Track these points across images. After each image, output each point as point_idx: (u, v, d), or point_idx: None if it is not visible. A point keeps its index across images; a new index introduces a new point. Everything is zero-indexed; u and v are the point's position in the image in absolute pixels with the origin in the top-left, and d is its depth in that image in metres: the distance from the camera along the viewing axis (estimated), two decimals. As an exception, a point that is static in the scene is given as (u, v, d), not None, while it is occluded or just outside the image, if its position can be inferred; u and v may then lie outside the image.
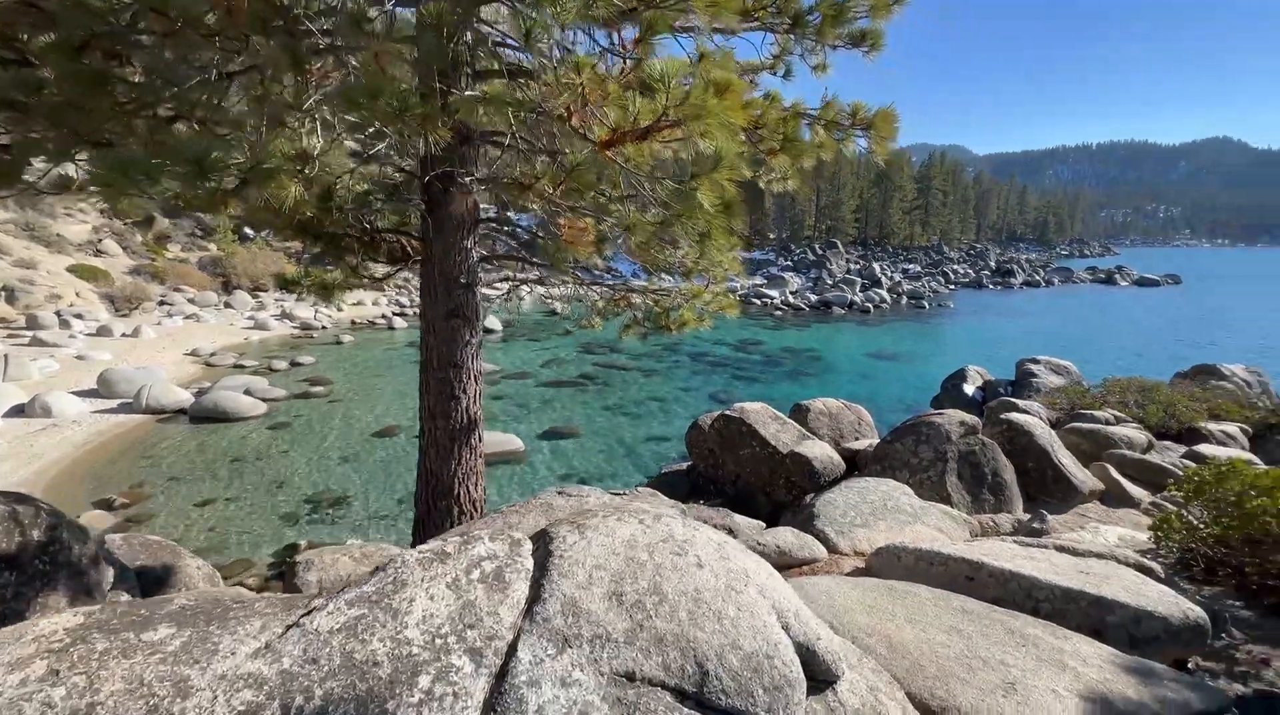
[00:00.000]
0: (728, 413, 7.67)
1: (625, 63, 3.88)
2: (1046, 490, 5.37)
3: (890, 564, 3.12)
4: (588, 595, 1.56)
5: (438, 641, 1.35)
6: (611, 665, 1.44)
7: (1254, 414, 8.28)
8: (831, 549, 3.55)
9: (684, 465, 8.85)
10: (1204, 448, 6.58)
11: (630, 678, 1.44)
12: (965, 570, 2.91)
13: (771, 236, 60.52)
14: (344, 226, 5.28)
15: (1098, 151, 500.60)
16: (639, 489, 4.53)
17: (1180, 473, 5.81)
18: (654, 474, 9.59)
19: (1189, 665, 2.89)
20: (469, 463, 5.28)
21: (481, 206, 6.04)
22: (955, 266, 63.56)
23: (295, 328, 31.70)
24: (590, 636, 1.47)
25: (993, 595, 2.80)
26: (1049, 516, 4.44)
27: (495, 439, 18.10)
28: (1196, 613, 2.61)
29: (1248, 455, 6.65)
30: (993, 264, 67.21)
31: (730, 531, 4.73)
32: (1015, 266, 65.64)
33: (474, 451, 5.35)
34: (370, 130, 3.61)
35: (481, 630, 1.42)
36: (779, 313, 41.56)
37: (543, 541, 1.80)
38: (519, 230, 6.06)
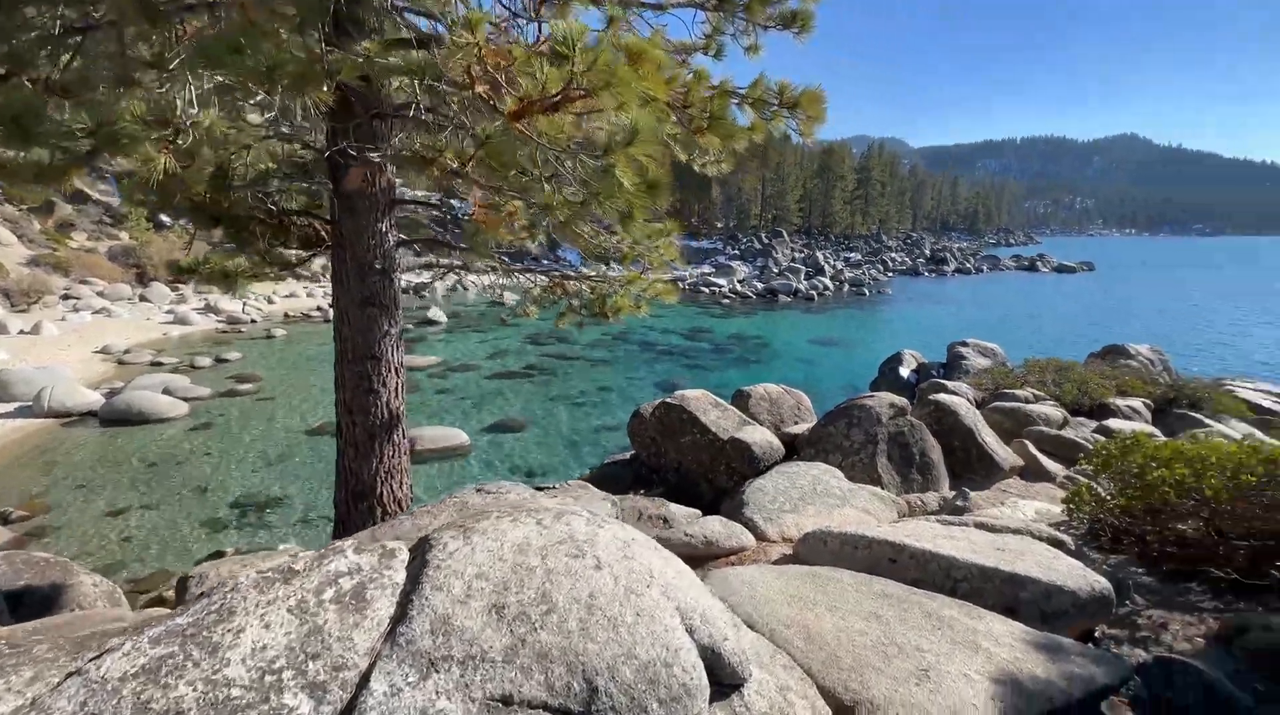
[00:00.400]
0: (668, 401, 7.58)
1: (539, 28, 3.64)
2: (971, 468, 5.52)
3: (816, 549, 3.07)
4: (464, 610, 1.38)
5: (268, 679, 1.14)
6: (486, 689, 1.26)
7: (1155, 389, 8.83)
8: (760, 536, 3.48)
9: (627, 455, 8.73)
10: (1112, 422, 6.94)
11: (507, 701, 1.27)
12: (888, 552, 2.88)
13: (719, 225, 61.07)
14: (247, 208, 4.84)
15: (1022, 146, 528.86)
16: (571, 482, 4.36)
17: (1091, 447, 6.10)
18: (600, 465, 9.44)
19: (1096, 634, 2.97)
20: (391, 460, 4.97)
21: (401, 188, 5.66)
22: (893, 254, 65.89)
23: (221, 322, 29.84)
24: (462, 657, 1.29)
25: (914, 576, 2.77)
26: (971, 494, 4.54)
27: (438, 434, 17.54)
28: (1102, 585, 2.66)
29: (1150, 428, 7.07)
30: (928, 252, 70.05)
31: (665, 521, 4.63)
32: (948, 254, 68.65)
33: (397, 448, 5.04)
34: (258, 98, 3.24)
35: (328, 660, 1.21)
36: (727, 301, 42.03)
37: (421, 551, 1.60)
38: (448, 214, 5.73)
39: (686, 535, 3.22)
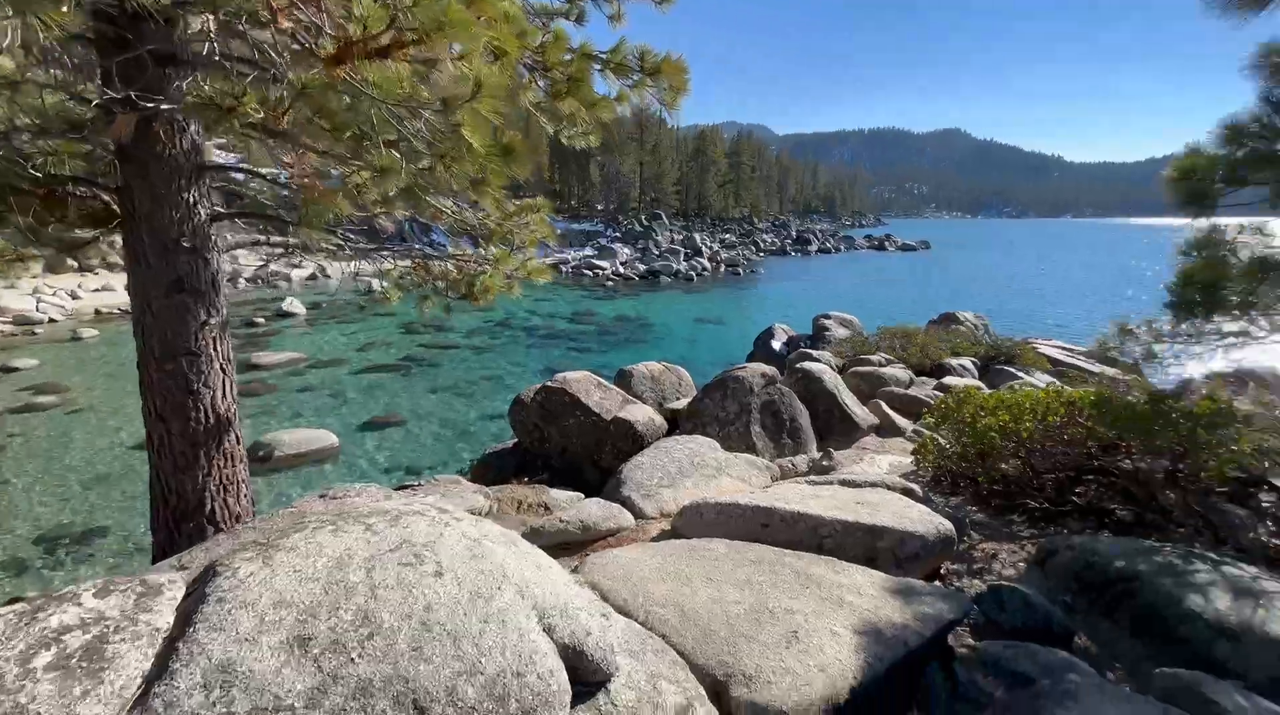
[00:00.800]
0: (549, 384, 7.34)
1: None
2: (834, 428, 5.89)
3: (694, 522, 3.05)
4: (252, 651, 1.10)
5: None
6: (282, 746, 1.01)
7: (980, 349, 10.10)
8: (638, 515, 3.41)
9: (510, 443, 8.39)
10: (949, 379, 7.79)
11: (312, 756, 1.02)
12: (761, 518, 2.92)
13: (600, 208, 60.84)
14: (4, 175, 3.84)
15: (870, 136, 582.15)
16: (440, 478, 4.00)
17: (932, 403, 6.78)
18: (481, 456, 8.97)
19: (941, 571, 3.24)
20: (224, 471, 4.27)
21: (218, 153, 4.83)
22: (764, 236, 69.78)
23: (6, 323, 24.90)
24: (248, 712, 1.02)
25: (786, 538, 2.83)
26: (835, 453, 4.82)
27: (300, 437, 15.85)
28: (946, 527, 2.87)
29: (978, 382, 8.04)
30: (794, 234, 75.04)
31: (546, 507, 4.44)
32: (812, 235, 74.03)
33: (230, 457, 4.34)
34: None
35: (36, 753, 0.89)
36: (610, 283, 42.13)
37: (202, 582, 1.28)
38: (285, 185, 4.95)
39: (562, 521, 3.06)
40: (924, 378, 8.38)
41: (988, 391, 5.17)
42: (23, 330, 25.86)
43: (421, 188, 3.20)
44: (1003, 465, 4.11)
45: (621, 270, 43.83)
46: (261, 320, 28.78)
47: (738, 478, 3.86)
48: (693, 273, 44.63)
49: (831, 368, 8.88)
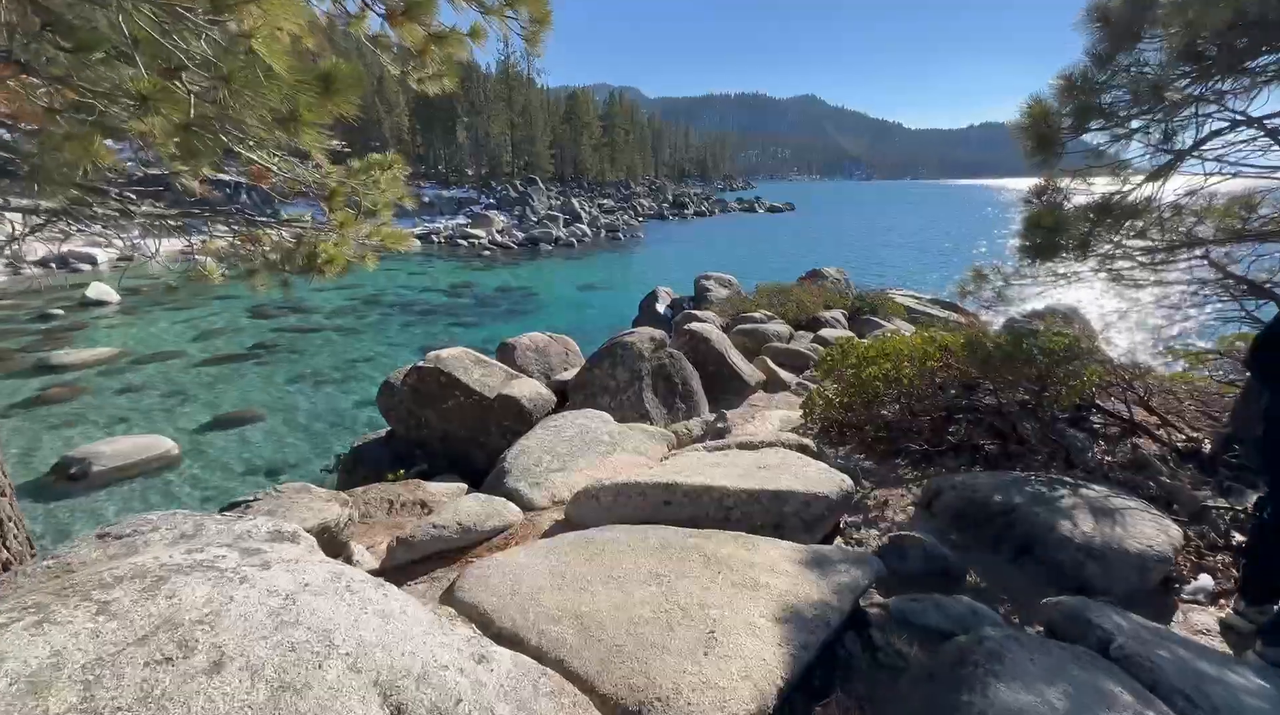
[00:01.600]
0: (421, 365, 6.59)
1: None
2: (725, 387, 5.84)
3: (590, 509, 2.73)
4: None
5: None
6: None
7: (848, 301, 10.72)
8: (527, 507, 3.02)
9: (384, 433, 7.53)
10: (824, 332, 8.12)
11: None
12: (662, 495, 2.66)
13: (470, 173, 57.21)
14: None
15: (736, 101, 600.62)
16: (283, 487, 3.30)
17: (813, 356, 7.00)
18: (350, 450, 7.98)
19: (840, 525, 3.23)
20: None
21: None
22: (642, 201, 69.89)
23: None
24: None
25: (689, 513, 2.60)
26: (729, 414, 4.72)
27: (126, 447, 13.46)
28: (846, 483, 2.81)
29: (849, 333, 8.48)
30: (670, 198, 75.95)
31: (423, 506, 3.90)
32: (688, 199, 75.42)
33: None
34: None
35: None
36: (488, 252, 40.06)
37: None
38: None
39: (436, 526, 2.59)
40: (802, 332, 8.69)
41: (862, 340, 5.35)
42: None
43: (208, 127, 2.44)
44: (884, 412, 4.23)
45: (499, 239, 41.76)
46: (60, 312, 23.92)
47: (633, 451, 3.59)
48: (574, 239, 43.67)
49: (718, 326, 8.93)
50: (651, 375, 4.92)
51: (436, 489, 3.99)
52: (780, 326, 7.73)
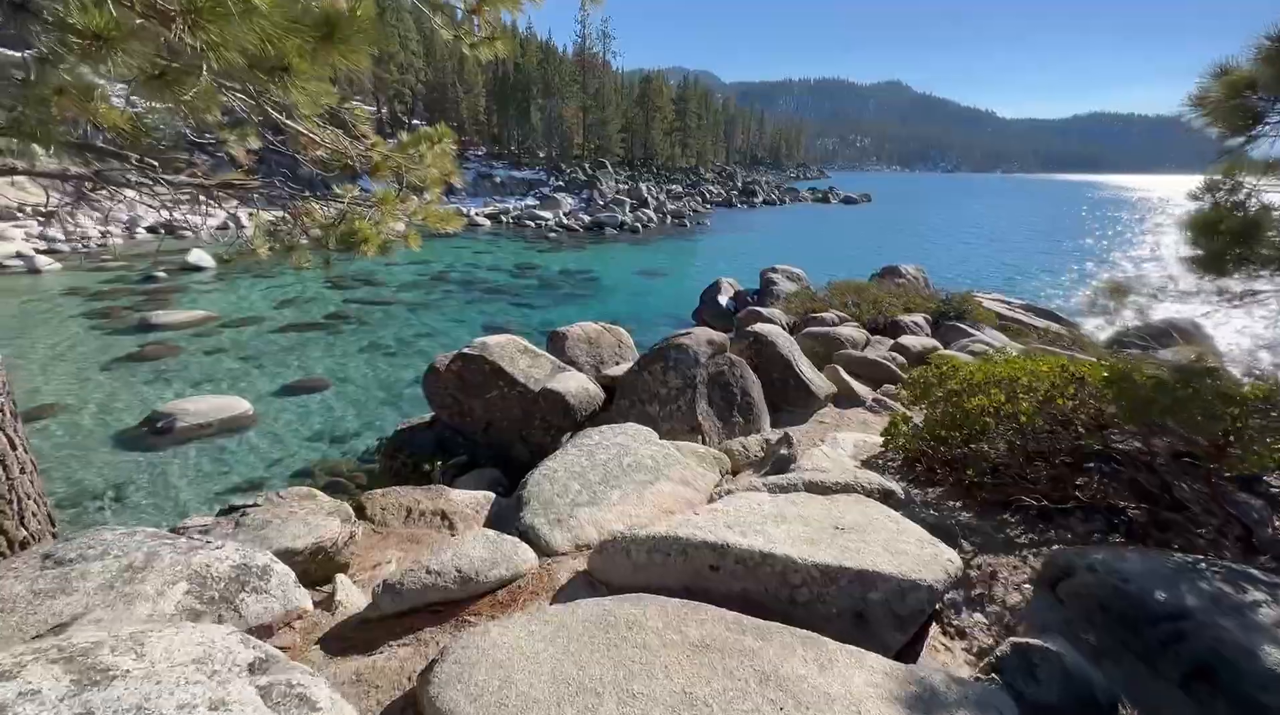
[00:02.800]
0: (466, 352, 6.24)
1: None
2: (789, 398, 5.14)
3: (618, 566, 2.19)
4: None
5: None
6: None
7: (932, 304, 9.62)
8: (544, 551, 2.50)
9: (428, 417, 7.29)
10: (905, 339, 7.20)
11: None
12: (709, 557, 2.08)
13: (541, 154, 57.51)
14: None
15: (815, 86, 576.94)
16: (286, 492, 2.96)
17: (892, 366, 6.15)
18: (394, 432, 7.80)
19: (937, 605, 2.54)
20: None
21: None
22: (710, 187, 68.27)
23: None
24: None
25: (742, 587, 2.01)
26: (794, 434, 4.05)
27: (207, 406, 14.17)
28: (954, 564, 2.12)
29: (933, 342, 7.51)
30: (740, 185, 73.83)
31: (444, 518, 3.49)
32: (758, 187, 73.08)
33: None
34: None
35: None
36: (554, 235, 40.14)
37: None
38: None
39: (429, 575, 2.12)
40: (879, 337, 7.78)
41: (965, 358, 4.51)
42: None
43: (187, 74, 2.01)
44: (988, 448, 3.44)
45: (565, 221, 41.73)
46: (163, 274, 25.75)
47: (680, 481, 3.01)
48: (639, 224, 43.06)
49: (784, 326, 8.15)
50: (707, 383, 4.31)
51: (460, 498, 3.57)
52: (854, 331, 6.88)
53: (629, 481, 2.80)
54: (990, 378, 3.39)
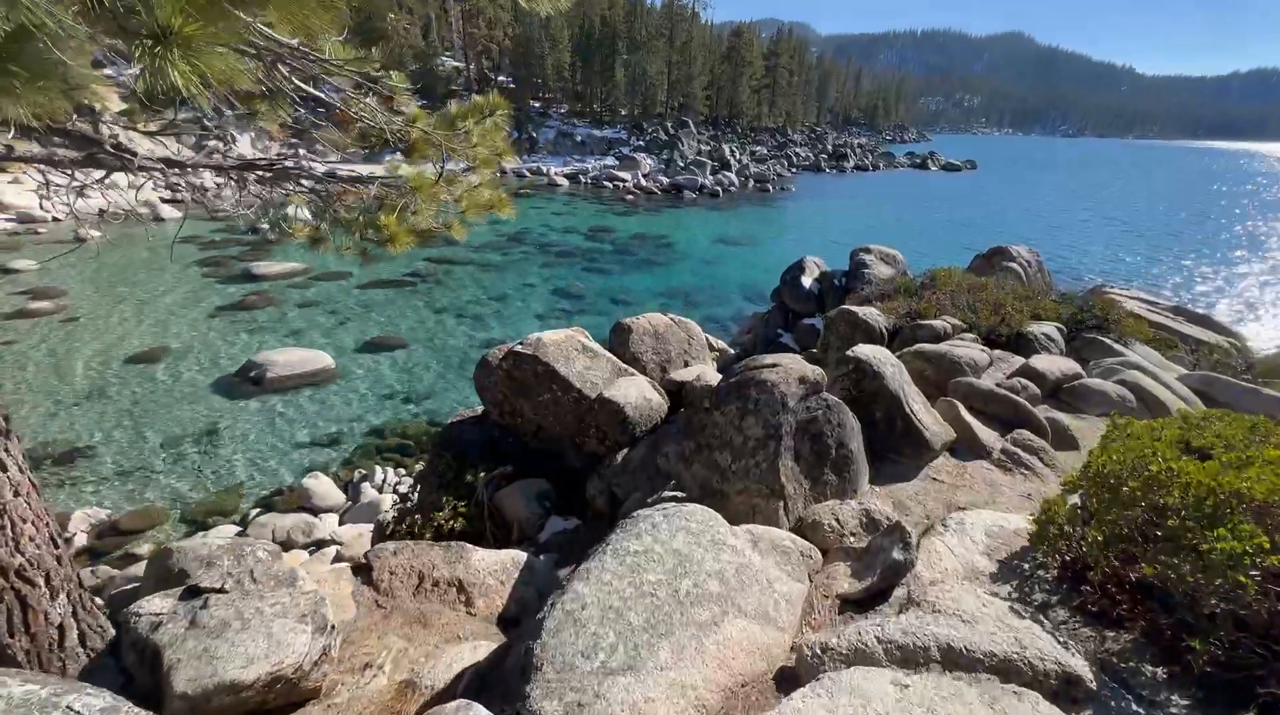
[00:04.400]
0: (519, 349, 5.57)
1: None
2: (895, 446, 4.11)
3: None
4: None
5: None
6: None
7: (1065, 309, 7.96)
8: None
9: (479, 410, 6.78)
10: (1038, 362, 5.82)
11: None
12: None
13: (623, 112, 55.69)
14: None
15: (921, 39, 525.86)
16: (278, 570, 2.40)
17: (1023, 403, 4.89)
18: (446, 426, 7.36)
19: None
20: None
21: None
22: (798, 149, 64.06)
23: (9, 220, 23.73)
24: None
25: None
26: (908, 525, 3.07)
27: (296, 358, 14.68)
28: None
29: (1072, 364, 6.06)
30: (830, 148, 68.84)
31: (459, 590, 2.85)
32: (849, 150, 67.87)
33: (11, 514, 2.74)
34: None
35: None
36: (630, 197, 39.04)
37: None
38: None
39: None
40: (1001, 352, 6.40)
41: (1143, 423, 3.30)
42: (25, 228, 24.63)
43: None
44: (1207, 583, 2.33)
45: (643, 183, 40.41)
46: (266, 226, 27.13)
47: (755, 615, 2.15)
48: (719, 188, 41.04)
49: (883, 333, 6.92)
50: (795, 433, 3.39)
51: (483, 564, 2.93)
52: (975, 350, 5.59)
53: (686, 626, 1.96)
54: (1230, 493, 2.25)
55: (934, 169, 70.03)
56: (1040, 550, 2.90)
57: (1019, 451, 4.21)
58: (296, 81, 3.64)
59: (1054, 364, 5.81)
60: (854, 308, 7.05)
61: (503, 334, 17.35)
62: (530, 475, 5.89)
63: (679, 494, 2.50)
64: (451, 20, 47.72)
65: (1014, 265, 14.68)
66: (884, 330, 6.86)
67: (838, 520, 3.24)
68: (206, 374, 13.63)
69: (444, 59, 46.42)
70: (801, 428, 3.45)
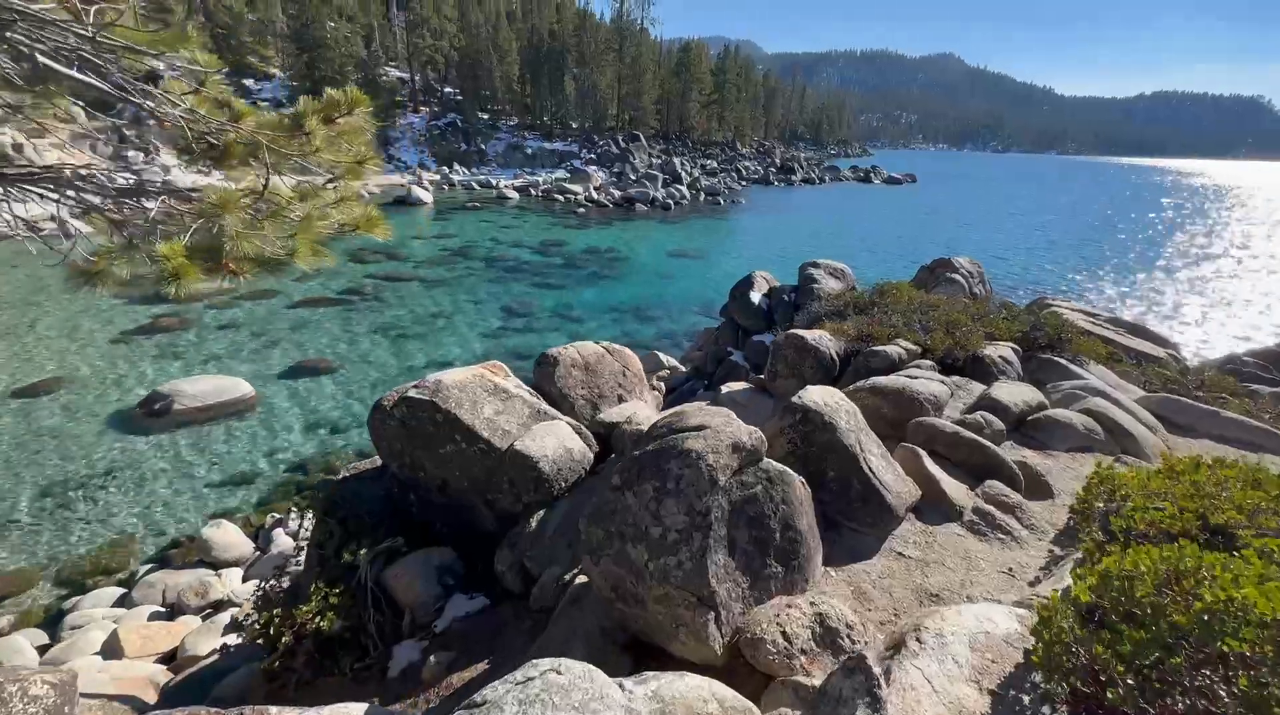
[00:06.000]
0: (413, 394, 4.60)
1: None
2: (852, 512, 3.39)
3: None
4: None
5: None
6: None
7: (1017, 328, 7.56)
8: None
9: (379, 462, 5.72)
10: (999, 391, 5.26)
11: None
12: None
13: (574, 125, 54.96)
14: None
15: (861, 58, 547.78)
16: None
17: (993, 449, 4.27)
18: (339, 481, 6.23)
19: None
20: None
21: None
22: (747, 163, 64.71)
23: None
24: None
25: None
26: (874, 669, 2.32)
27: (208, 387, 13.02)
28: None
29: (1034, 393, 5.56)
30: (778, 162, 69.90)
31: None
32: (796, 164, 69.10)
33: None
34: None
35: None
36: (582, 210, 38.22)
37: None
38: None
39: None
40: (958, 378, 5.85)
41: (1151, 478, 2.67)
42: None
43: None
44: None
45: (595, 196, 39.66)
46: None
47: None
48: (670, 201, 40.70)
49: (833, 359, 6.28)
50: (729, 519, 2.60)
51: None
52: (934, 383, 4.96)
53: None
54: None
55: (877, 182, 72.07)
56: (1041, 671, 2.21)
57: (992, 510, 3.56)
58: (46, 60, 2.66)
59: (1016, 394, 5.28)
60: (802, 332, 6.38)
61: (442, 354, 16.15)
62: (434, 542, 4.93)
63: (557, 663, 1.68)
64: (395, 30, 45.95)
65: (957, 277, 14.53)
66: (834, 356, 6.24)
67: (784, 634, 2.47)
68: (103, 408, 11.96)
69: (387, 69, 44.62)
70: (737, 510, 2.67)
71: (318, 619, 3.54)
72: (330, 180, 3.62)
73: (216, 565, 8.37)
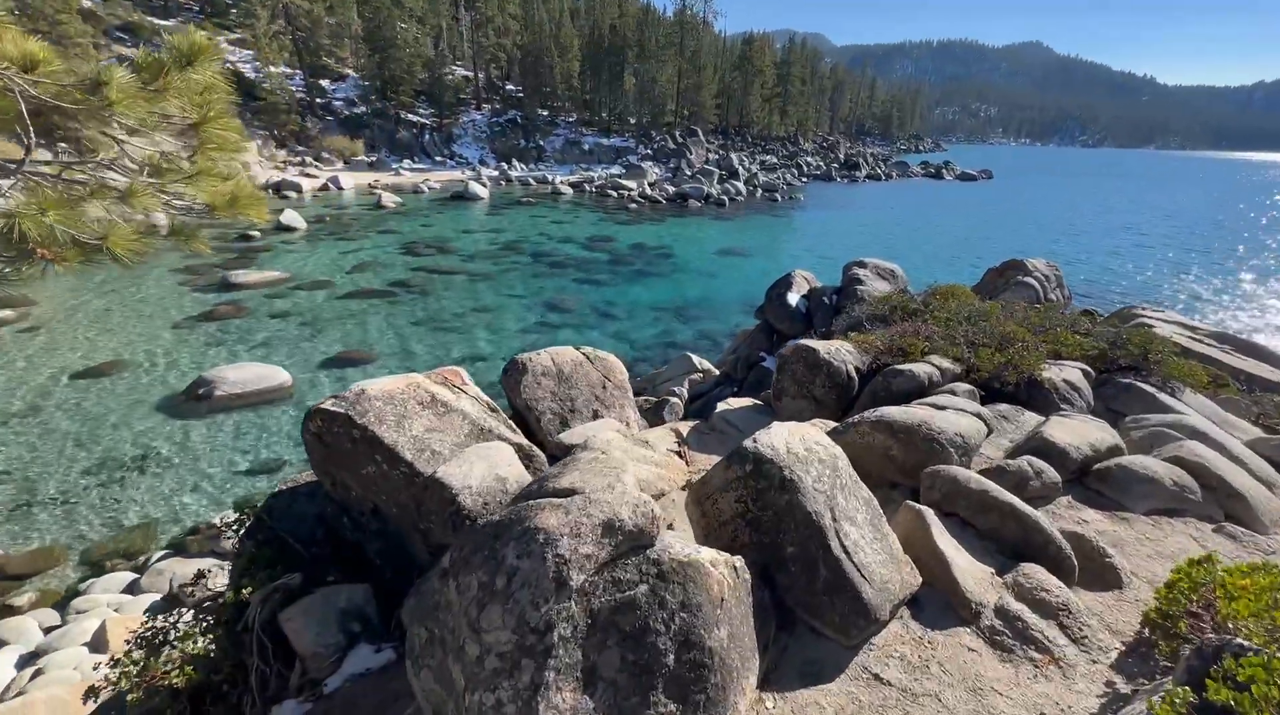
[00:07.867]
0: (329, 407, 3.92)
1: None
2: (814, 605, 2.39)
3: None
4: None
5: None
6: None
7: (1091, 346, 6.09)
8: None
9: (314, 477, 5.12)
10: (1056, 431, 4.00)
11: None
12: None
13: (632, 121, 54.12)
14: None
15: (938, 49, 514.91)
16: None
17: (1036, 523, 3.11)
18: (270, 496, 5.72)
19: None
20: None
21: None
22: (809, 158, 61.73)
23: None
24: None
25: None
26: None
27: (249, 374, 13.18)
28: None
29: (1108, 435, 4.24)
30: (842, 157, 66.29)
31: None
32: (861, 160, 65.33)
33: None
34: None
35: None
36: (635, 206, 37.40)
37: None
38: None
39: None
40: (1006, 407, 4.60)
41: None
42: None
43: None
44: None
45: (649, 192, 38.71)
46: (258, 234, 26.09)
47: None
48: (725, 197, 39.14)
49: (851, 375, 5.14)
50: (588, 636, 1.71)
51: None
52: (966, 416, 3.77)
53: None
54: None
55: (949, 178, 67.06)
56: None
57: (1025, 612, 2.45)
58: None
59: (1079, 433, 4.01)
60: (814, 343, 5.28)
61: (482, 349, 15.83)
62: (366, 569, 4.30)
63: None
64: (461, 29, 46.72)
65: (1030, 280, 12.69)
66: (852, 373, 5.11)
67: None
68: (154, 391, 12.35)
69: (453, 68, 45.45)
70: (603, 622, 1.77)
71: (173, 675, 2.93)
72: (192, 158, 2.96)
73: (224, 556, 8.21)
